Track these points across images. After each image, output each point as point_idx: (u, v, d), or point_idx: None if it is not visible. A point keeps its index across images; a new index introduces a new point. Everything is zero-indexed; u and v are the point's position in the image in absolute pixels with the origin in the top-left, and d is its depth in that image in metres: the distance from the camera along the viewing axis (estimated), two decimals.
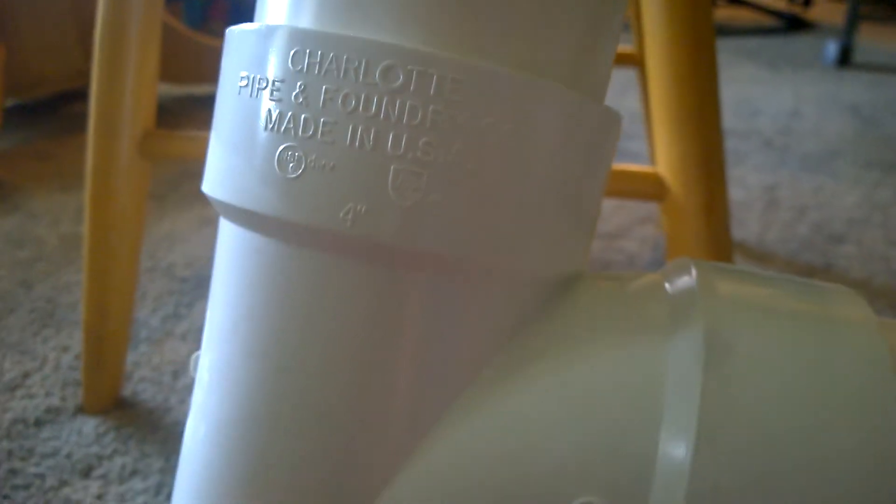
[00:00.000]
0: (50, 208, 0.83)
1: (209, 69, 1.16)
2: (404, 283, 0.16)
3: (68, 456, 0.46)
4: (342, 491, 0.17)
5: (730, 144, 1.06)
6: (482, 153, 0.16)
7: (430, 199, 0.16)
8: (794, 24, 2.05)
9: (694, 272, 0.18)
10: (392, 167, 0.16)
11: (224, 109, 0.18)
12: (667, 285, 0.18)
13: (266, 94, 0.17)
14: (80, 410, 0.50)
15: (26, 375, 0.54)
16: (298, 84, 0.17)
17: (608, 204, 0.85)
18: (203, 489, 0.17)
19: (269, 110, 0.17)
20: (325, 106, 0.16)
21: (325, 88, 0.16)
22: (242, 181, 0.17)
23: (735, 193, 0.89)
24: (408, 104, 0.16)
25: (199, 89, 1.25)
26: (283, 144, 0.17)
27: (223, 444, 0.16)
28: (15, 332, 0.59)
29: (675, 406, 0.15)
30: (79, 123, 1.09)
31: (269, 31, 0.17)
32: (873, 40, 1.83)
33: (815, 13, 2.20)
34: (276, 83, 0.17)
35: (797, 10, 2.12)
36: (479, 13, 0.17)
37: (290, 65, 0.17)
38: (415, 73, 0.16)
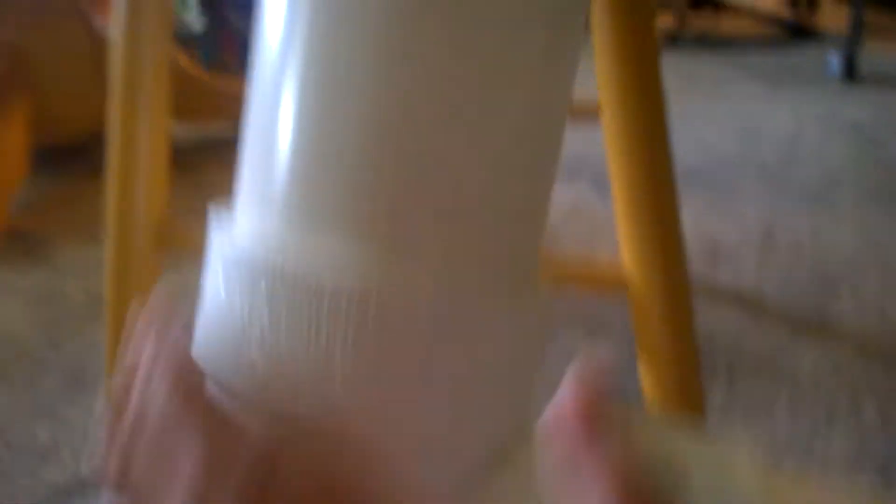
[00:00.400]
0: (77, 261, 0.87)
1: (222, 107, 1.20)
2: None
3: None
4: None
5: (728, 173, 1.08)
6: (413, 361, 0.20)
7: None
8: (797, 33, 2.05)
9: None
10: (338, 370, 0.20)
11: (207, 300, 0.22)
12: None
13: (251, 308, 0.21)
14: None
15: (58, 443, 0.58)
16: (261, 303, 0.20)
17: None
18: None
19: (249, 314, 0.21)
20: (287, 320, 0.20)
21: (286, 311, 0.20)
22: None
23: (732, 231, 0.92)
24: (349, 326, 0.20)
25: (213, 130, 1.29)
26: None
27: None
28: (47, 396, 0.64)
29: None
30: (103, 165, 1.14)
31: (240, 261, 0.21)
32: (880, 50, 1.83)
33: (820, 20, 2.20)
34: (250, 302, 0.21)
35: (802, 16, 2.12)
36: (418, 245, 0.20)
37: (254, 291, 0.20)
38: (354, 303, 0.19)
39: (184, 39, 1.29)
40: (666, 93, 0.38)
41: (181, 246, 0.49)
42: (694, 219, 0.95)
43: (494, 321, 0.21)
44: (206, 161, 1.18)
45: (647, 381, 0.43)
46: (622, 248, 0.42)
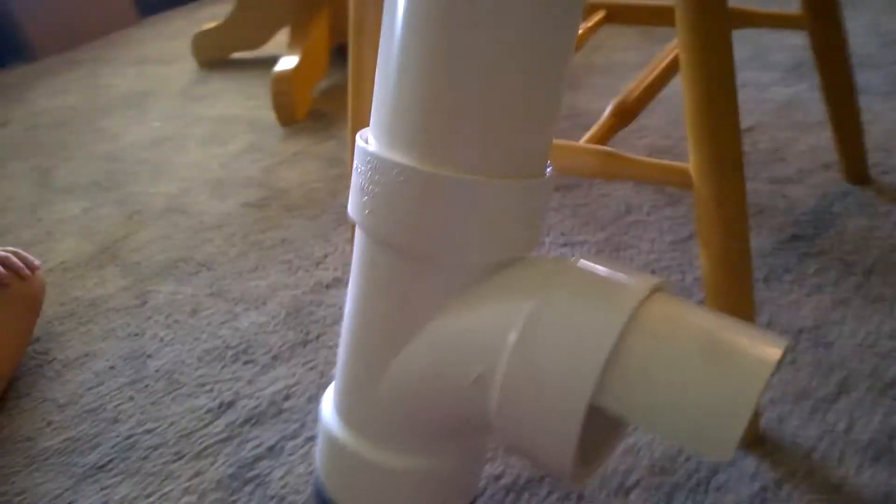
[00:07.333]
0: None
1: None
2: (398, 263, 0.39)
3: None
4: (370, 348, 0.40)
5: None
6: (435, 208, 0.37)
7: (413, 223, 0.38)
8: None
9: (573, 262, 0.35)
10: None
11: (353, 176, 0.42)
12: (560, 265, 0.35)
13: (359, 175, 0.40)
14: None
15: (326, 256, 0.87)
16: (368, 172, 0.39)
17: (796, 147, 0.90)
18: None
19: (360, 184, 0.40)
20: (373, 180, 0.39)
21: (375, 177, 0.39)
22: (354, 206, 0.41)
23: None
24: (401, 183, 0.37)
25: None
26: (364, 197, 0.40)
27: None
28: (324, 227, 0.93)
29: (512, 338, 0.33)
30: None
31: (361, 150, 0.40)
32: None
33: None
34: (361, 169, 0.40)
35: None
36: (446, 149, 0.37)
37: (366, 163, 0.39)
38: (404, 173, 0.37)
39: None
40: None
41: None
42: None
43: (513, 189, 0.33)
44: None
45: (704, 270, 0.53)
46: (690, 156, 0.52)
